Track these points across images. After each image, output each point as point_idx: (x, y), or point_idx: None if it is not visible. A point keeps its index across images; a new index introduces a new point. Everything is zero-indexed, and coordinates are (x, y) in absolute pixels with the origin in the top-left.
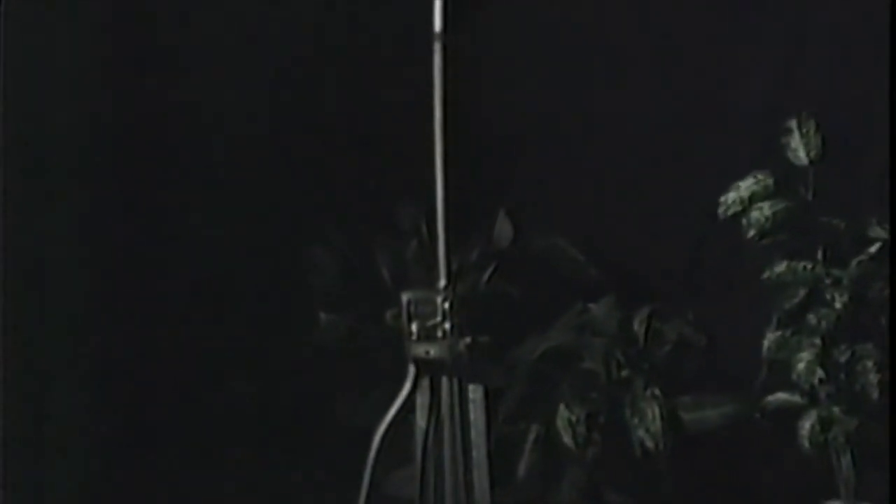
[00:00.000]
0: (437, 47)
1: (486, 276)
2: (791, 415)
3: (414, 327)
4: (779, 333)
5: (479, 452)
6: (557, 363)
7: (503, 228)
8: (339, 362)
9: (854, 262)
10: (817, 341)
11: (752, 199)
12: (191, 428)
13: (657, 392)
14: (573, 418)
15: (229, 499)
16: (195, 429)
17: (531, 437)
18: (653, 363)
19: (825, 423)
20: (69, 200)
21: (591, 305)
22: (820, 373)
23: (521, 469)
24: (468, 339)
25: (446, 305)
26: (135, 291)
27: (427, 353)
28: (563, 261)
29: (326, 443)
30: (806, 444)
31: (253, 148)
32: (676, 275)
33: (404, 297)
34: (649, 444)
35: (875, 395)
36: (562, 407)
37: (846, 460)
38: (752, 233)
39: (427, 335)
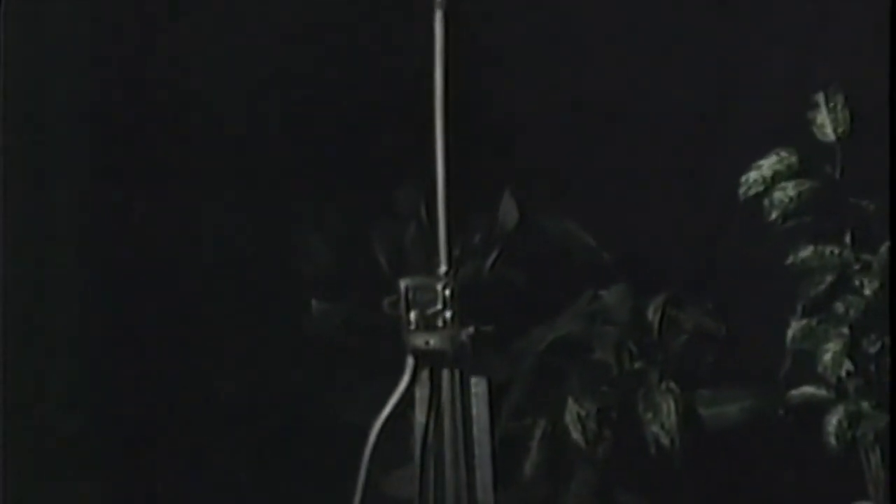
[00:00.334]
0: (438, 15)
1: (489, 262)
2: (816, 410)
3: (413, 316)
4: (804, 322)
5: (481, 450)
6: (566, 354)
7: (508, 210)
8: (332, 354)
9: (884, 247)
10: (845, 331)
11: (775, 178)
12: (179, 425)
13: (672, 385)
14: (583, 413)
15: (220, 496)
16: (183, 425)
17: (538, 433)
18: (668, 354)
19: (853, 419)
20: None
21: (603, 293)
22: (848, 365)
23: (527, 468)
24: (471, 329)
25: (447, 293)
26: (125, 281)
27: (427, 343)
28: (572, 245)
29: (320, 440)
30: (832, 441)
31: (244, 128)
32: (694, 260)
33: (402, 284)
34: (664, 440)
35: None
36: (570, 401)
37: (875, 459)
38: (774, 215)
39: (427, 324)
